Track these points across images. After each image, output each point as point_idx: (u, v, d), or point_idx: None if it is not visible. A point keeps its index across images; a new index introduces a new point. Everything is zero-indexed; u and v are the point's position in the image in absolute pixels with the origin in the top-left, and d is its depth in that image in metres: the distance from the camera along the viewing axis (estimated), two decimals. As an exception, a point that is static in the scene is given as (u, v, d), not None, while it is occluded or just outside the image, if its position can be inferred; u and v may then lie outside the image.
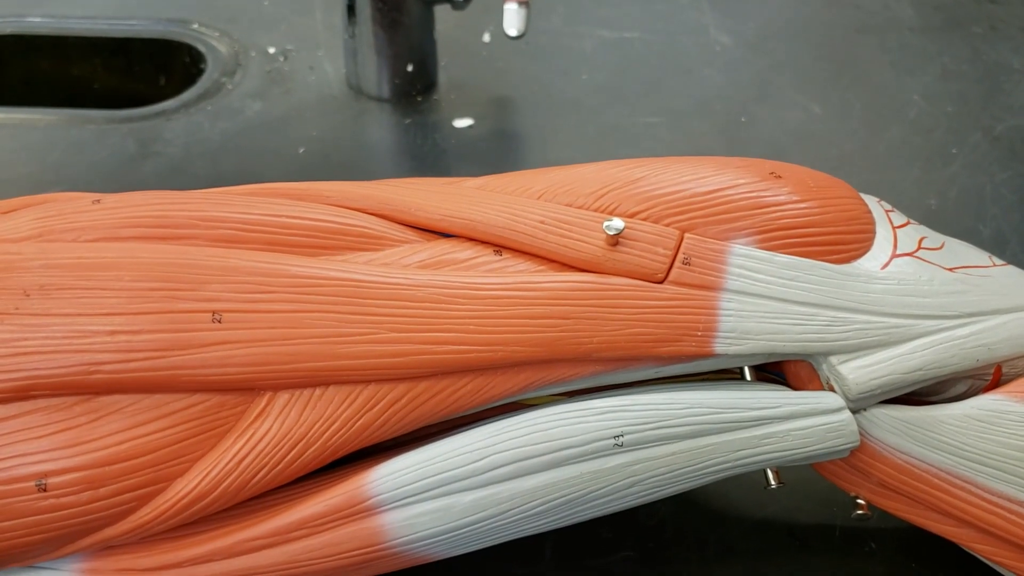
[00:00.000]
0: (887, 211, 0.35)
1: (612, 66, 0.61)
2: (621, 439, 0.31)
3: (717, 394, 0.32)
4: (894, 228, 0.34)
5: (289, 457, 0.30)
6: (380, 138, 0.56)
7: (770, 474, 0.33)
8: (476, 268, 0.32)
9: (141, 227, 0.31)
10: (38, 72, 0.64)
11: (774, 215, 0.33)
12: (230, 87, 0.59)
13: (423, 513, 0.30)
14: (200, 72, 0.61)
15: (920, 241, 0.34)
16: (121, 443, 0.29)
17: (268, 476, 0.30)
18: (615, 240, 0.32)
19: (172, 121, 0.56)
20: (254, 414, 0.30)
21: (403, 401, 0.30)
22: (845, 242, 0.33)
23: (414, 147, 0.55)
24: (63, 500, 0.28)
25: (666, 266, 0.32)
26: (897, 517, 0.34)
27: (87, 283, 0.29)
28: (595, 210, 0.33)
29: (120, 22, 0.64)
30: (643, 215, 0.33)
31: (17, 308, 0.29)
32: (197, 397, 0.29)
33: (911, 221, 0.35)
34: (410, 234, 0.33)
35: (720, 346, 0.31)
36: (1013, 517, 0.32)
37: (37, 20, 0.64)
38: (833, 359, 0.32)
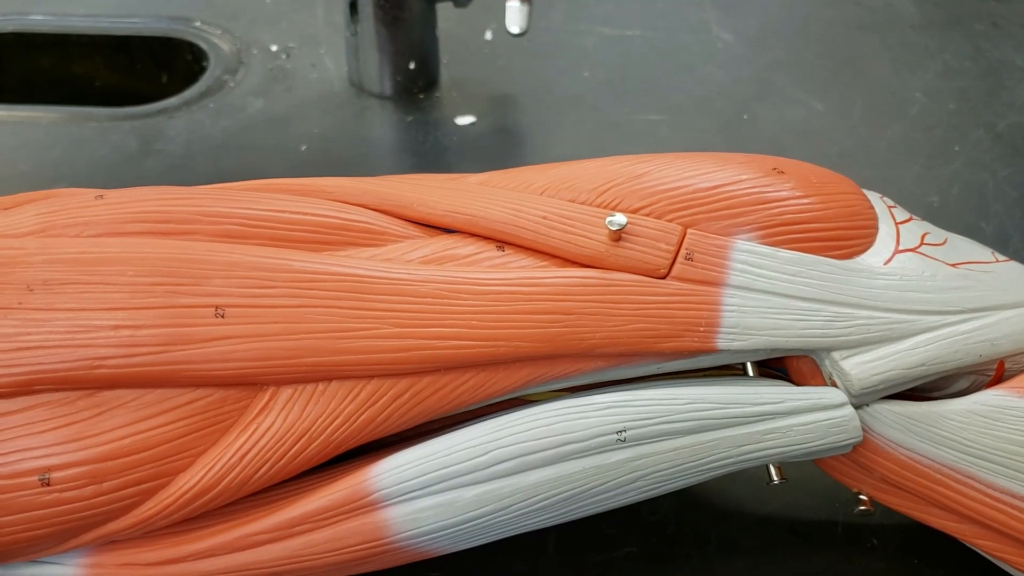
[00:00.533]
0: (889, 207, 0.35)
1: (613, 63, 0.61)
2: (623, 434, 0.31)
3: (719, 389, 0.32)
4: (896, 224, 0.34)
5: (292, 452, 0.30)
6: (382, 135, 0.56)
7: (772, 470, 0.33)
8: (479, 264, 0.32)
9: (144, 222, 0.31)
10: (39, 70, 0.64)
11: (777, 211, 0.33)
12: (232, 85, 0.59)
13: (426, 508, 0.30)
14: (202, 70, 0.61)
15: (923, 237, 0.34)
16: (124, 438, 0.29)
17: (271, 471, 0.30)
18: (618, 236, 0.32)
19: (174, 119, 0.56)
20: (257, 409, 0.30)
21: (406, 396, 0.30)
22: (848, 238, 0.33)
23: (416, 144, 0.55)
24: (66, 495, 0.28)
25: (669, 262, 0.32)
26: (899, 513, 0.34)
27: (90, 278, 0.29)
28: (598, 206, 0.33)
29: (122, 20, 0.64)
30: (646, 211, 0.33)
31: (20, 303, 0.29)
32: (200, 392, 0.29)
33: (913, 217, 0.35)
34: (413, 230, 0.33)
35: (723, 342, 0.31)
36: (1015, 513, 0.32)
37: (39, 18, 0.64)
38: (836, 355, 0.32)
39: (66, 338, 0.28)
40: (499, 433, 0.30)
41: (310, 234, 0.32)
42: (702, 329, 0.31)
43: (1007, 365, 0.33)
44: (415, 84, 0.58)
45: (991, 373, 0.33)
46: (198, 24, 0.64)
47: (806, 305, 0.32)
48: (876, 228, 0.33)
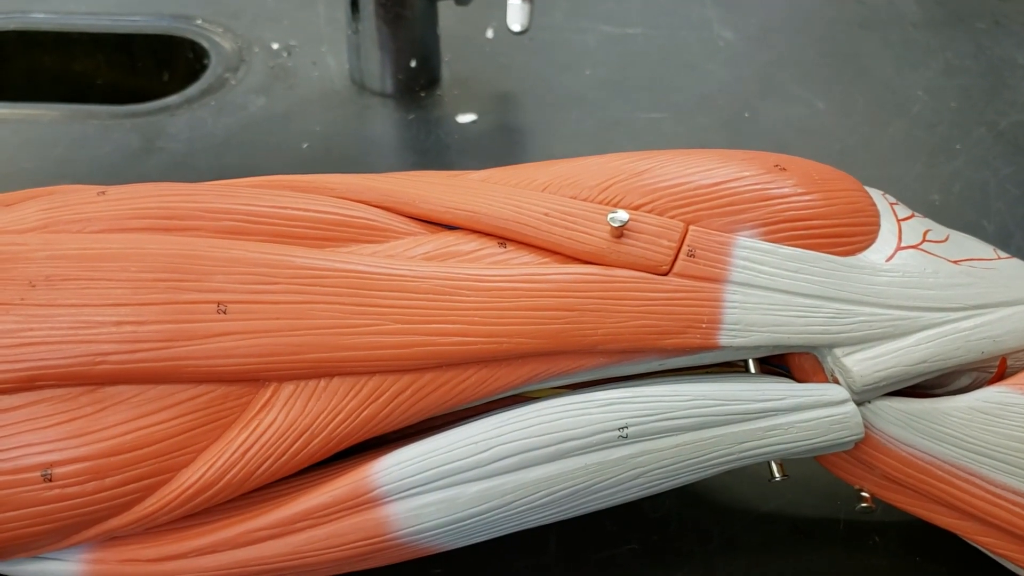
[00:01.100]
0: (891, 204, 0.35)
1: (615, 61, 0.61)
2: (625, 431, 0.31)
3: (721, 386, 0.32)
4: (898, 221, 0.34)
5: (294, 448, 0.30)
6: (383, 133, 0.56)
7: (774, 467, 0.33)
8: (481, 260, 0.32)
9: (146, 218, 0.31)
10: (41, 68, 0.64)
11: (779, 207, 0.33)
12: (233, 83, 0.59)
13: (428, 504, 0.30)
14: (203, 68, 0.61)
15: (925, 234, 0.34)
16: (126, 433, 0.29)
17: (273, 467, 0.30)
18: (620, 232, 0.32)
19: (175, 116, 0.56)
20: (259, 405, 0.30)
21: (408, 392, 0.30)
22: (850, 234, 0.33)
23: (417, 142, 0.55)
24: (68, 490, 0.28)
25: (671, 258, 0.32)
26: (901, 510, 0.34)
27: (92, 274, 0.29)
28: (599, 202, 0.33)
29: (123, 18, 0.64)
30: (647, 207, 0.33)
31: (22, 299, 0.29)
32: (202, 388, 0.29)
33: (915, 214, 0.35)
34: (415, 226, 0.33)
35: (725, 338, 0.31)
36: (1017, 509, 0.32)
37: (40, 16, 0.64)
38: (838, 351, 0.32)
39: (68, 334, 0.28)
40: (501, 429, 0.30)
41: (312, 230, 0.32)
42: (704, 326, 0.31)
43: (1009, 362, 0.33)
44: (416, 82, 0.58)
45: (993, 370, 0.33)
46: (199, 22, 0.64)
47: (808, 302, 0.32)
48: (878, 225, 0.33)
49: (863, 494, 0.34)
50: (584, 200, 0.33)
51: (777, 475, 0.33)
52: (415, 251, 0.32)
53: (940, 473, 0.32)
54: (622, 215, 0.31)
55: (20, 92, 0.64)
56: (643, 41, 0.63)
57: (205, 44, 0.62)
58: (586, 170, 0.34)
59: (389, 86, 0.58)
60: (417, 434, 0.31)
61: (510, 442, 0.30)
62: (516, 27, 0.53)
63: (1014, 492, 0.32)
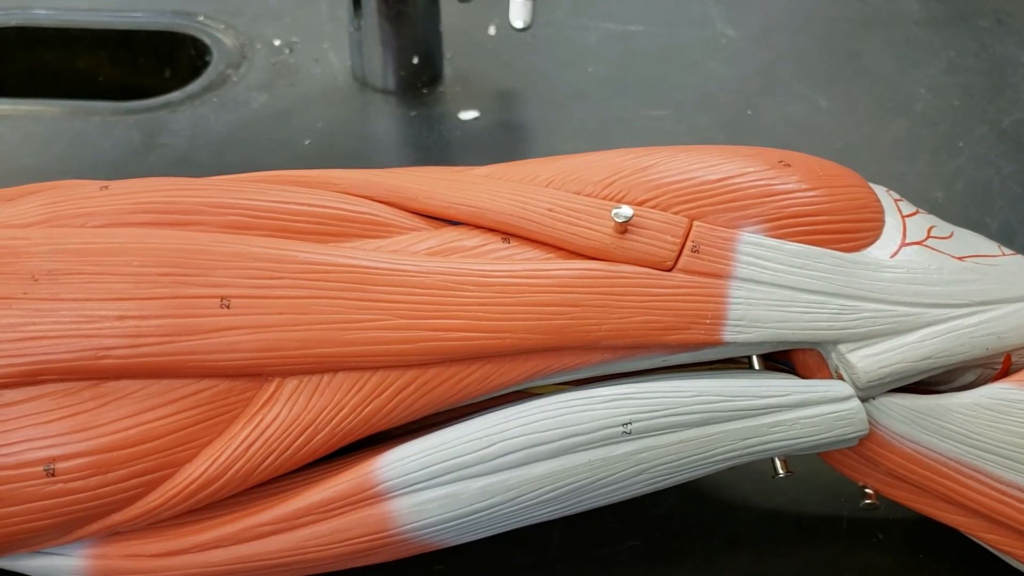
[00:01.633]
0: (896, 200, 0.35)
1: (617, 59, 0.61)
2: (629, 427, 0.31)
3: (725, 382, 0.32)
4: (903, 217, 0.34)
5: (297, 443, 0.30)
6: (385, 130, 0.56)
7: (778, 463, 0.33)
8: (484, 256, 0.32)
9: (149, 213, 0.31)
10: (42, 64, 0.64)
11: (783, 203, 0.33)
12: (235, 79, 0.59)
13: (431, 500, 0.30)
14: (205, 64, 0.61)
15: (929, 230, 0.34)
16: (129, 428, 0.28)
17: (276, 462, 0.29)
18: (624, 228, 0.31)
19: (177, 113, 0.56)
20: (262, 400, 0.30)
21: (411, 388, 0.30)
22: (854, 230, 0.33)
23: (419, 139, 0.55)
24: (71, 485, 0.28)
25: (675, 254, 0.31)
26: (905, 507, 0.34)
27: (95, 268, 0.29)
28: (603, 198, 0.33)
29: (125, 14, 0.64)
30: (652, 203, 0.32)
31: (25, 293, 0.29)
32: (205, 383, 0.29)
33: (920, 210, 0.35)
34: (418, 221, 0.33)
35: (729, 334, 0.31)
36: (1022, 506, 0.32)
37: (42, 12, 0.64)
38: (842, 347, 0.32)
39: (71, 328, 0.28)
40: (505, 425, 0.30)
41: (315, 225, 0.32)
42: (708, 321, 0.31)
43: (1014, 358, 0.33)
44: (419, 79, 0.58)
45: (998, 366, 0.33)
46: (201, 19, 0.63)
47: (812, 298, 0.32)
48: (882, 221, 0.33)
49: (867, 491, 0.34)
50: (588, 196, 0.33)
51: (781, 471, 0.33)
52: (418, 246, 0.32)
53: (944, 470, 0.32)
54: (626, 211, 0.31)
55: (21, 88, 0.64)
56: (645, 39, 0.63)
57: (207, 41, 0.62)
58: (590, 166, 0.34)
59: (391, 83, 0.58)
60: (420, 430, 0.31)
61: (514, 438, 0.30)
62: (519, 24, 0.53)
63: (1019, 488, 0.32)
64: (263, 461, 0.29)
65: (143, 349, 0.29)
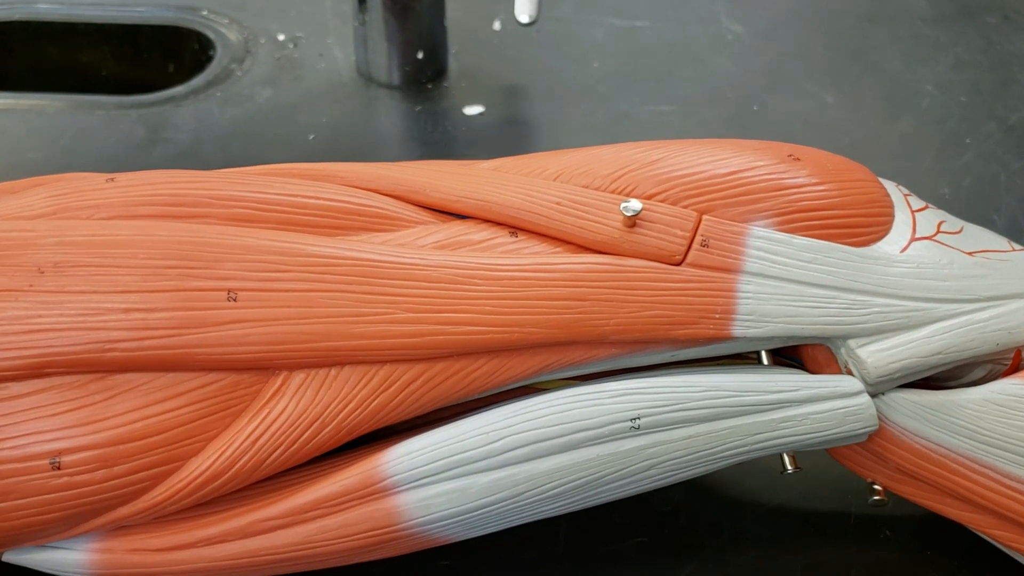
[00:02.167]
0: (905, 195, 0.34)
1: (623, 54, 0.61)
2: (638, 422, 0.30)
3: (734, 377, 0.32)
4: (913, 212, 0.34)
5: (304, 437, 0.29)
6: (390, 125, 0.56)
7: (786, 459, 0.33)
8: (492, 249, 0.32)
9: (156, 205, 0.31)
10: (46, 58, 0.64)
11: (793, 197, 0.32)
12: (239, 74, 0.59)
13: (438, 494, 0.30)
14: (209, 59, 0.60)
15: (939, 225, 0.34)
16: (135, 422, 0.28)
17: (283, 456, 0.29)
18: (632, 222, 0.31)
19: (181, 107, 0.56)
20: (269, 393, 0.29)
21: (419, 382, 0.30)
22: (864, 225, 0.33)
23: (424, 134, 0.55)
24: (77, 479, 0.28)
25: (684, 248, 0.31)
26: (913, 503, 0.34)
27: (101, 260, 0.29)
28: (612, 192, 0.33)
29: (129, 9, 0.64)
30: (661, 197, 0.32)
31: (31, 285, 0.28)
32: (212, 376, 0.29)
33: (929, 205, 0.35)
34: (425, 215, 0.33)
35: (738, 329, 0.31)
36: (1032, 503, 0.32)
37: (45, 7, 0.63)
38: (852, 342, 0.32)
39: (77, 321, 0.28)
40: (513, 419, 0.30)
41: (322, 219, 0.32)
42: (717, 316, 0.31)
43: (1024, 354, 0.33)
44: (423, 74, 0.58)
45: (1008, 362, 0.33)
46: (205, 13, 0.63)
47: (822, 292, 0.31)
48: (892, 216, 0.33)
49: (875, 487, 0.34)
50: (596, 189, 0.33)
51: (789, 467, 0.33)
52: (426, 240, 0.32)
53: (954, 466, 0.32)
54: (635, 204, 0.31)
55: (26, 82, 0.64)
56: (651, 34, 0.63)
57: (211, 35, 0.62)
58: (598, 159, 0.34)
59: (396, 78, 0.58)
60: (427, 424, 0.31)
61: (521, 432, 0.30)
62: (524, 19, 0.53)
63: (1029, 485, 0.32)
64: (270, 455, 0.29)
65: (149, 342, 0.28)
